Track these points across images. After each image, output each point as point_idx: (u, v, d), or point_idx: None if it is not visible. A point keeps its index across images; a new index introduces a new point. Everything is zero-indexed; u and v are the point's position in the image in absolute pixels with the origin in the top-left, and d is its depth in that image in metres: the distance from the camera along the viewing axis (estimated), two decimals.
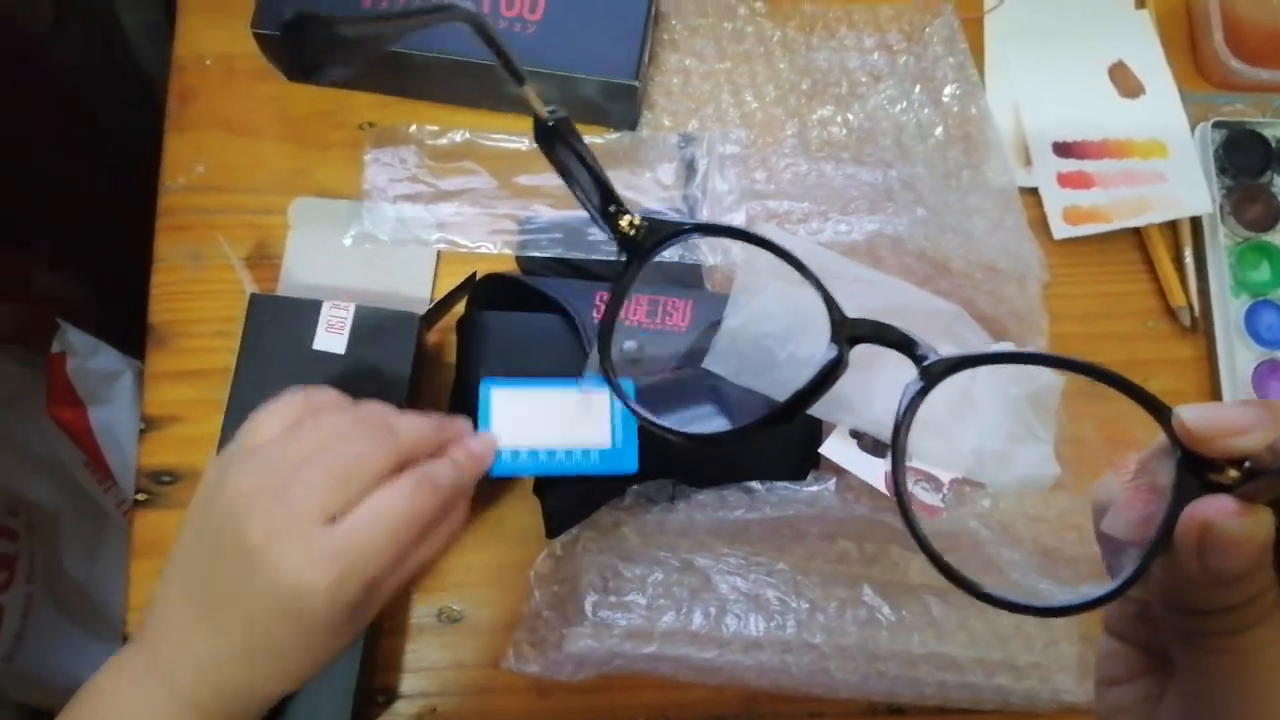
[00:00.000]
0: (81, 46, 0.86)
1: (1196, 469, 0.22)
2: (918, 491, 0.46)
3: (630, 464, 0.42)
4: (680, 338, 0.48)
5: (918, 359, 0.27)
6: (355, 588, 0.35)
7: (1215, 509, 0.21)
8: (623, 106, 0.55)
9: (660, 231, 0.31)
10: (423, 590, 0.51)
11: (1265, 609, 0.22)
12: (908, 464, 0.48)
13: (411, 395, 0.49)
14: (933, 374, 0.27)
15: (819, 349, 0.46)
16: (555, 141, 0.30)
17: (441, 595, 0.51)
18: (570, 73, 0.52)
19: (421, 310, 0.50)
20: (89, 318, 0.85)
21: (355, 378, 0.48)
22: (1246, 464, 0.21)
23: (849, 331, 0.29)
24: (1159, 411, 0.23)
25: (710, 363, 0.47)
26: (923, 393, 0.27)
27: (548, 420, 0.43)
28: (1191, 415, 0.22)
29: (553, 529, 0.49)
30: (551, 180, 0.55)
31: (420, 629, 0.50)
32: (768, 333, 0.47)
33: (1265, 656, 0.22)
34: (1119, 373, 0.23)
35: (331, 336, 0.48)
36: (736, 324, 0.47)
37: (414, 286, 0.54)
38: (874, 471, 0.47)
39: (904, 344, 0.28)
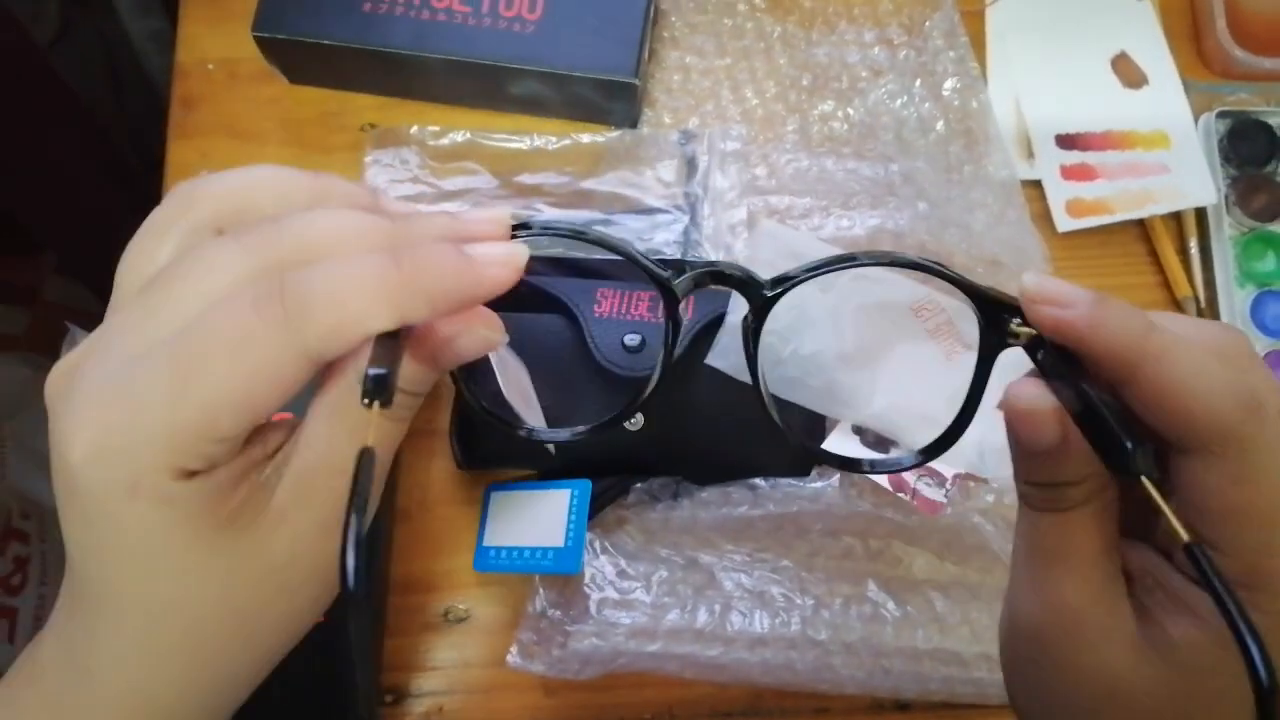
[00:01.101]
0: (87, 56, 0.87)
1: (999, 329, 0.27)
2: (921, 487, 0.46)
3: (575, 565, 0.45)
4: (683, 329, 0.48)
5: (749, 294, 0.29)
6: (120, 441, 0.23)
7: (1015, 387, 0.25)
8: (623, 105, 0.55)
9: None
10: (429, 590, 0.51)
11: (1079, 498, 0.25)
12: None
13: None
14: (760, 305, 0.29)
15: (822, 345, 0.46)
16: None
17: (448, 595, 0.51)
18: (569, 71, 0.52)
19: None
20: (98, 321, 0.86)
21: None
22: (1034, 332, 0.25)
23: (681, 290, 0.30)
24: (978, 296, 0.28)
25: (713, 359, 0.47)
26: (757, 326, 0.30)
27: (525, 519, 0.47)
28: (1030, 278, 0.25)
29: None
30: (553, 179, 0.56)
31: (427, 628, 0.51)
32: (770, 329, 0.47)
33: (1068, 534, 0.26)
34: (945, 267, 0.28)
35: None
36: (739, 319, 0.47)
37: None
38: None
39: (736, 281, 0.30)
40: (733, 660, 0.47)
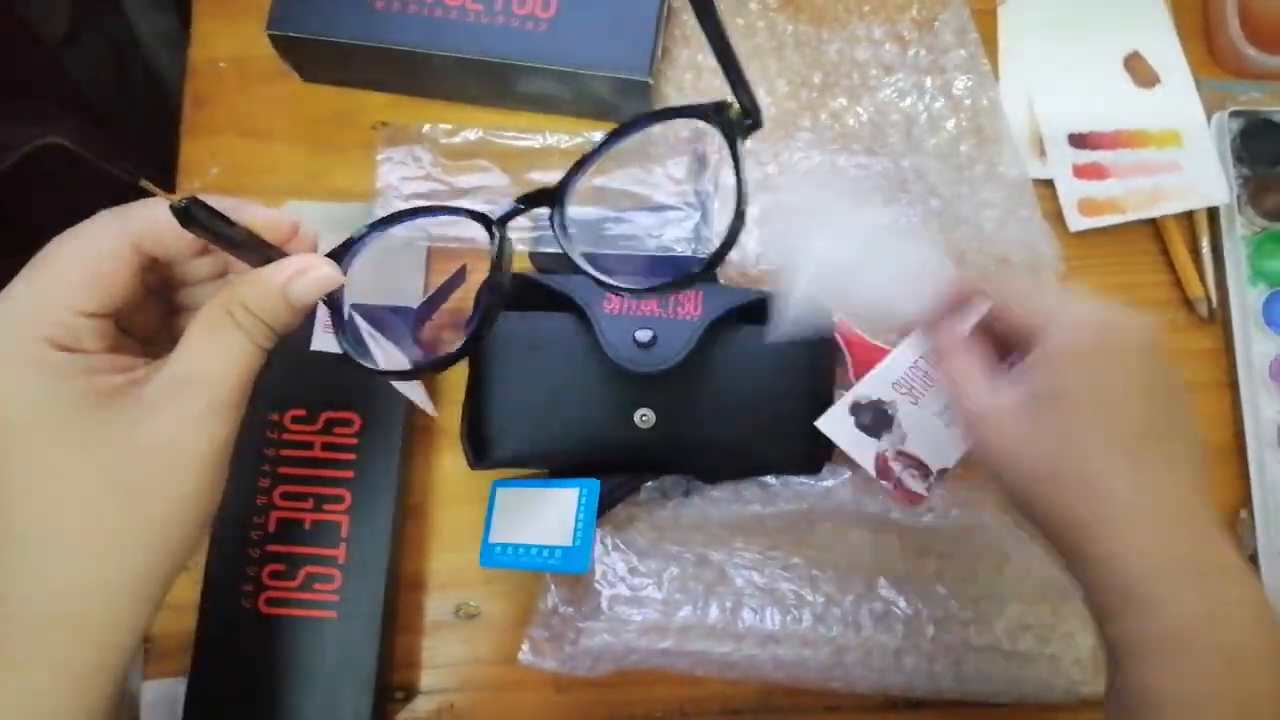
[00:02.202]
0: (97, 55, 0.87)
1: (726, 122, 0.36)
2: (905, 478, 0.46)
3: (583, 564, 0.45)
4: (693, 325, 0.47)
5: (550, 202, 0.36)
6: None
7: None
8: (635, 103, 0.55)
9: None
10: (440, 587, 0.51)
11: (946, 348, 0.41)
12: (900, 447, 0.46)
13: None
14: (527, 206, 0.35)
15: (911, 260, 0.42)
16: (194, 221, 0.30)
17: (459, 592, 0.51)
18: (582, 70, 0.53)
19: (414, 305, 0.50)
20: None
21: (355, 376, 0.48)
22: None
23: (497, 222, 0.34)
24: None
25: (773, 335, 0.42)
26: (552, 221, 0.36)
27: (532, 516, 0.47)
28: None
29: None
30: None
31: (438, 625, 0.51)
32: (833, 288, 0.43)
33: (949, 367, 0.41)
34: None
35: (329, 336, 0.47)
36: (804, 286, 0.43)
37: (406, 283, 0.54)
38: (867, 453, 0.46)
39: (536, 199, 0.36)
40: (744, 657, 0.47)
